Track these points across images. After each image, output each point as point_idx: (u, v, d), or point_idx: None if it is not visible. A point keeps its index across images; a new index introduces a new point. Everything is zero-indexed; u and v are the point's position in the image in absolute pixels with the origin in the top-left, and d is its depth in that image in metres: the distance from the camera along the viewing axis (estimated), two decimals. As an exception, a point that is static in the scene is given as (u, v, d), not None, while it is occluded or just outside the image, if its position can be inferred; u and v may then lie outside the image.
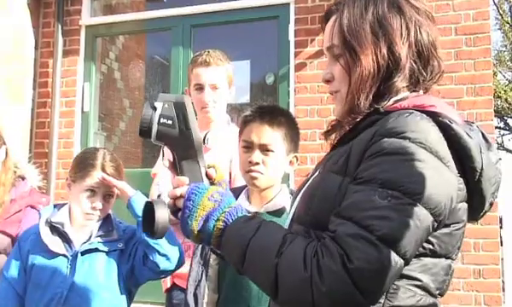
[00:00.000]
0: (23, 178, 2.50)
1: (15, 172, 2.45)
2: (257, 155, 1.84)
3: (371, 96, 1.16)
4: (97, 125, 5.34)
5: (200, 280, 1.86)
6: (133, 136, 6.23)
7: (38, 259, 2.06)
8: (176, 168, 1.26)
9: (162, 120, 1.25)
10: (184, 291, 2.02)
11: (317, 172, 1.24)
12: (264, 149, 1.85)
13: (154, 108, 1.25)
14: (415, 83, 1.19)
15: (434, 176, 1.03)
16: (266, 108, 1.93)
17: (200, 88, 2.50)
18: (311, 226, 1.13)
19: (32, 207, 2.43)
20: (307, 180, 1.28)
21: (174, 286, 2.45)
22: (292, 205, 1.29)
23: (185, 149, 1.26)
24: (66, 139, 5.10)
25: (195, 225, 1.16)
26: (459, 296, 3.96)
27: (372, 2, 1.18)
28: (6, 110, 4.70)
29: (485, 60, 4.11)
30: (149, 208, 1.19)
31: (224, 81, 2.52)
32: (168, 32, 5.03)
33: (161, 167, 2.50)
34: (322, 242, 1.04)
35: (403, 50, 1.15)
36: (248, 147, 1.87)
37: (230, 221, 1.14)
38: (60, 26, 5.13)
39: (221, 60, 2.51)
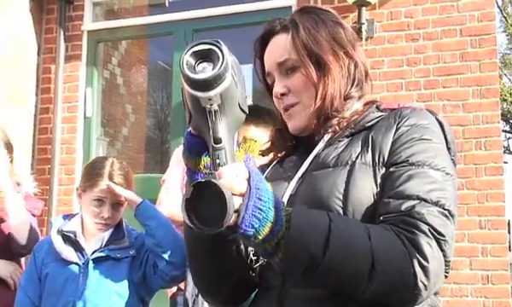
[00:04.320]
0: (18, 184, 2.51)
1: (13, 178, 2.47)
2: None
3: (337, 104, 1.21)
4: (100, 131, 5.31)
5: (197, 294, 1.82)
6: (136, 142, 6.21)
7: (52, 268, 2.09)
8: (217, 138, 0.98)
9: (233, 74, 0.97)
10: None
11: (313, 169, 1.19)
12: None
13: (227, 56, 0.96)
14: (362, 95, 1.27)
15: (451, 162, 1.16)
16: (253, 108, 1.88)
17: None
18: None
19: (29, 212, 2.46)
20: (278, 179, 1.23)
21: (179, 291, 2.42)
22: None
23: (236, 118, 1.01)
24: (68, 145, 5.07)
25: (274, 213, 0.96)
26: (467, 302, 3.90)
27: (319, 20, 1.26)
28: (8, 116, 4.67)
29: (490, 62, 4.06)
30: (204, 190, 0.92)
31: None
32: (170, 37, 5.01)
33: (170, 173, 2.48)
34: (400, 220, 1.03)
35: (356, 58, 1.25)
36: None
37: (290, 210, 1.00)
38: (62, 32, 5.11)
39: None
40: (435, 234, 1.02)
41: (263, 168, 1.33)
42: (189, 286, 1.86)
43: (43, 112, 5.16)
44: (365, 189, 1.10)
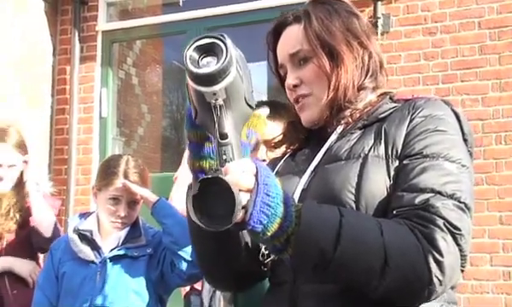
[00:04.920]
0: (36, 183, 2.52)
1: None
2: (262, 152, 1.78)
3: (350, 95, 1.19)
4: (116, 131, 5.33)
5: (214, 291, 1.80)
6: (152, 141, 6.22)
7: (69, 267, 2.08)
8: (223, 133, 0.96)
9: (238, 68, 0.95)
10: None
11: (324, 163, 1.16)
12: (269, 145, 1.80)
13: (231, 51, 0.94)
14: (377, 85, 1.24)
15: (467, 154, 1.13)
16: (268, 103, 1.86)
17: None
18: None
19: None
20: (291, 174, 1.21)
21: (192, 290, 2.40)
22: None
23: (242, 113, 0.99)
24: (84, 145, 5.09)
25: (283, 208, 0.94)
26: (488, 299, 3.83)
27: (333, 10, 1.23)
28: (25, 117, 4.71)
29: (510, 55, 3.99)
30: (211, 187, 0.90)
31: None
32: (184, 36, 5.00)
33: (182, 170, 2.47)
34: (414, 214, 1.00)
35: (371, 48, 1.22)
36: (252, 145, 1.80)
37: (300, 205, 0.98)
38: (77, 33, 5.13)
39: None
40: (450, 228, 0.99)
41: (275, 161, 1.33)
42: (206, 283, 1.84)
43: (59, 113, 5.19)
44: (378, 182, 1.07)
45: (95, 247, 2.10)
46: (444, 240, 0.98)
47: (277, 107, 1.81)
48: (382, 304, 1.00)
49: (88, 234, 2.12)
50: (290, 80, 1.23)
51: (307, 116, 1.23)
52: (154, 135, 6.25)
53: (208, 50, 0.95)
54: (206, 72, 0.92)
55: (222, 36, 0.96)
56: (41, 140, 5.01)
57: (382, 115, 1.17)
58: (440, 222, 0.99)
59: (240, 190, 0.90)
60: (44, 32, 5.13)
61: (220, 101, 0.94)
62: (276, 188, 0.94)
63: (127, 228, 2.12)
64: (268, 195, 0.92)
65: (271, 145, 1.77)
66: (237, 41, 0.99)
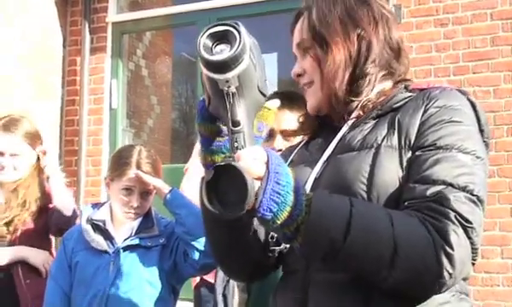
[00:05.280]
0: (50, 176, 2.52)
1: (44, 172, 2.49)
2: (278, 142, 1.77)
3: (346, 82, 1.18)
4: (125, 122, 5.34)
5: (228, 280, 1.80)
6: (161, 133, 6.23)
7: (82, 257, 2.09)
8: (235, 121, 0.97)
9: (251, 56, 0.95)
10: (212, 287, 1.96)
11: (336, 153, 1.16)
12: (286, 135, 1.79)
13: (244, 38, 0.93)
14: (392, 74, 1.22)
15: (483, 145, 1.12)
16: (283, 93, 1.87)
17: None
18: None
19: None
20: (302, 164, 1.21)
21: (202, 281, 2.40)
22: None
23: (255, 101, 0.99)
24: (94, 136, 5.11)
25: (293, 197, 0.94)
26: (499, 292, 3.82)
27: None
28: (36, 108, 4.73)
29: (523, 46, 3.95)
30: (224, 174, 0.90)
31: None
32: (194, 27, 4.99)
33: (193, 161, 2.47)
34: (426, 206, 1.00)
35: (373, 37, 1.20)
36: (269, 135, 1.80)
37: (311, 194, 0.98)
38: (87, 24, 5.14)
39: None
40: (462, 221, 0.99)
41: (291, 149, 1.34)
42: (220, 272, 1.84)
43: (69, 104, 5.21)
44: (390, 173, 1.07)
45: (108, 237, 2.10)
46: (455, 234, 0.98)
47: (296, 97, 1.82)
48: (393, 294, 1.00)
49: (101, 223, 2.12)
50: (294, 69, 1.26)
51: (309, 104, 1.26)
52: (164, 126, 6.26)
53: (222, 38, 0.96)
54: (218, 59, 0.93)
55: (236, 23, 0.97)
56: (51, 131, 5.04)
57: (396, 105, 1.16)
58: (452, 215, 0.99)
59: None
60: (55, 24, 5.14)
61: (233, 89, 0.95)
62: (286, 177, 0.95)
63: (140, 219, 2.12)
64: (278, 183, 0.93)
65: (288, 134, 1.77)
66: (247, 32, 1.00)
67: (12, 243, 2.32)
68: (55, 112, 5.14)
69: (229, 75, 0.94)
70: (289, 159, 1.30)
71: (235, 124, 0.96)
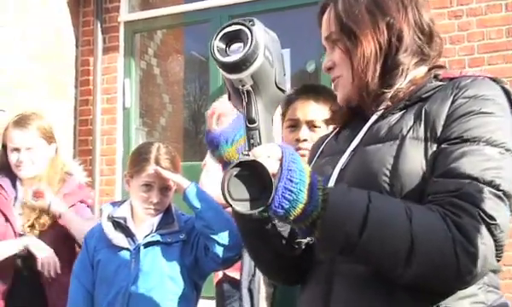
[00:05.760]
0: (70, 174, 2.54)
1: (62, 169, 2.49)
2: (304, 132, 1.78)
3: (378, 74, 1.16)
4: (138, 121, 5.35)
5: (253, 274, 1.80)
6: (174, 131, 6.24)
7: (103, 254, 2.09)
8: (251, 118, 0.98)
9: (266, 53, 0.95)
10: (235, 283, 1.96)
11: (362, 145, 1.15)
12: (311, 125, 1.80)
13: (258, 36, 0.94)
14: (424, 60, 1.20)
15: None
16: (310, 85, 1.91)
17: None
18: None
19: (82, 202, 2.51)
20: (330, 156, 1.21)
21: (225, 277, 2.39)
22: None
23: (272, 97, 0.99)
24: (108, 135, 5.13)
25: (306, 194, 0.94)
26: (509, 285, 3.77)
27: None
28: (50, 109, 4.75)
29: (539, 37, 3.90)
30: (244, 169, 0.91)
31: None
32: (206, 25, 4.99)
33: (211, 157, 2.48)
34: (448, 201, 0.98)
35: (403, 25, 1.17)
36: (294, 125, 1.81)
37: (329, 189, 0.99)
38: (99, 24, 5.15)
39: None
40: (485, 217, 0.96)
41: (323, 139, 1.34)
42: (246, 267, 1.84)
43: (82, 104, 5.23)
44: (414, 166, 1.05)
45: (129, 234, 2.11)
46: (476, 231, 0.96)
47: (321, 90, 1.83)
48: (415, 288, 1.00)
49: (122, 221, 2.13)
50: (324, 62, 1.25)
51: (339, 96, 1.25)
52: (176, 125, 6.27)
53: (235, 37, 0.96)
54: (230, 61, 0.94)
55: (249, 21, 0.97)
56: (65, 131, 5.06)
57: (425, 95, 1.13)
58: (474, 211, 0.97)
59: None
60: (67, 24, 5.16)
61: (248, 87, 0.97)
62: (300, 174, 0.95)
63: (160, 215, 2.13)
64: (291, 181, 0.94)
65: (314, 125, 1.78)
66: (264, 27, 0.99)
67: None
68: (68, 112, 5.16)
69: (243, 75, 0.95)
70: (319, 150, 1.30)
71: (251, 121, 0.98)
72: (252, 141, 0.98)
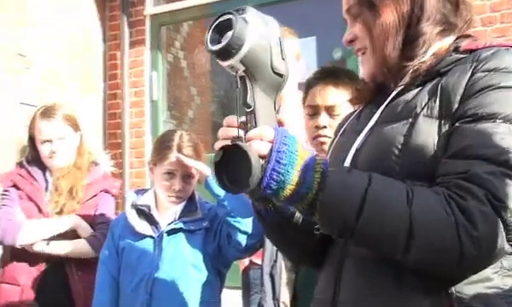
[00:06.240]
0: (96, 164, 2.54)
1: (89, 158, 2.50)
2: (323, 118, 1.73)
3: (399, 46, 1.11)
4: (166, 114, 5.37)
5: (275, 260, 1.77)
6: (202, 124, 6.25)
7: (127, 242, 2.12)
8: (245, 103, 1.01)
9: (256, 39, 0.98)
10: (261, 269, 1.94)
11: (381, 123, 1.10)
12: (331, 111, 1.75)
13: (247, 22, 0.98)
14: (450, 30, 1.13)
15: None
16: (329, 69, 1.85)
17: None
18: (397, 177, 1.00)
19: (107, 192, 2.50)
20: (351, 133, 1.17)
21: (251, 264, 2.38)
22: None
23: (269, 82, 1.02)
24: (137, 128, 5.16)
25: (295, 175, 0.94)
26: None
27: None
28: (79, 103, 4.81)
29: None
30: (232, 154, 0.96)
31: (289, 54, 2.42)
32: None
33: None
34: (454, 183, 0.93)
35: None
36: (313, 112, 1.76)
37: (328, 172, 0.97)
38: (125, 18, 5.18)
39: (284, 32, 2.42)
40: (492, 199, 0.91)
41: (349, 117, 1.29)
42: (267, 252, 1.82)
43: (111, 98, 5.28)
44: (426, 146, 0.99)
45: (152, 222, 2.12)
46: (481, 213, 0.90)
47: (341, 74, 1.78)
48: (421, 272, 0.96)
49: (145, 209, 2.14)
50: (345, 35, 1.20)
51: (364, 71, 1.20)
52: (204, 117, 6.28)
53: (228, 26, 0.98)
54: (216, 49, 0.97)
55: (241, 9, 1.00)
56: (95, 125, 5.12)
57: (444, 69, 1.06)
58: (481, 193, 0.91)
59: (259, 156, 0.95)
60: (94, 19, 5.21)
61: (241, 73, 0.99)
62: (290, 156, 0.95)
63: (183, 203, 2.13)
64: (279, 162, 0.94)
65: (334, 111, 1.73)
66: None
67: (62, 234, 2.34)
68: (97, 106, 5.22)
69: (232, 61, 0.98)
70: (342, 128, 1.26)
71: (246, 105, 1.00)
72: (249, 125, 1.01)
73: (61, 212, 2.35)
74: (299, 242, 1.21)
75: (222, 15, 1.00)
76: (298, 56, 2.47)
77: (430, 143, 0.99)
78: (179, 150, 2.09)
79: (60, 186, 2.37)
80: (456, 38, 1.13)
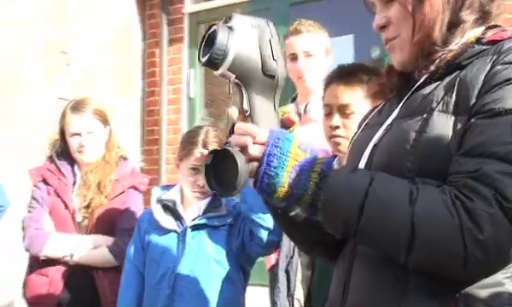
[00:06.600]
0: (125, 158, 2.55)
1: (117, 153, 2.51)
2: (336, 118, 1.70)
3: (445, 29, 1.06)
4: (203, 111, 5.41)
5: (292, 256, 1.76)
6: (239, 121, 6.25)
7: (152, 236, 2.14)
8: (242, 108, 1.03)
9: (242, 45, 0.99)
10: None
11: (398, 119, 1.07)
12: (344, 111, 1.71)
13: (231, 30, 0.99)
14: (483, 19, 1.08)
15: None
16: (346, 67, 1.80)
17: (293, 58, 2.43)
18: (410, 174, 0.97)
19: (135, 188, 2.50)
20: (370, 129, 1.14)
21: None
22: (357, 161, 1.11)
23: (263, 85, 1.02)
24: (174, 125, 5.22)
25: (286, 177, 0.96)
26: None
27: None
28: (118, 101, 4.91)
29: None
30: (222, 157, 0.98)
31: (318, 48, 2.41)
32: (269, 13, 4.95)
33: None
34: (463, 183, 0.89)
35: None
36: (328, 111, 1.74)
37: (329, 172, 0.96)
38: (164, 16, 5.25)
39: (313, 27, 2.41)
40: (502, 201, 0.86)
41: (372, 110, 1.26)
42: (284, 248, 1.81)
43: (149, 95, 5.36)
44: (440, 144, 0.96)
45: (177, 217, 2.14)
46: (488, 216, 0.86)
47: (353, 70, 1.74)
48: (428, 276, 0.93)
49: (170, 204, 2.16)
50: (377, 20, 1.13)
51: (395, 59, 1.13)
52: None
53: (215, 38, 1.00)
54: (203, 62, 1.01)
55: (228, 18, 1.02)
56: (134, 123, 5.21)
57: (465, 62, 1.02)
58: (489, 194, 0.87)
59: (251, 159, 0.97)
60: (134, 17, 5.30)
61: (234, 80, 1.02)
62: (280, 159, 0.96)
63: (208, 198, 2.14)
64: (269, 165, 0.96)
65: (347, 110, 1.70)
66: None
67: (89, 229, 2.38)
68: (136, 104, 5.31)
69: (220, 70, 1.01)
70: (364, 123, 1.23)
71: (243, 111, 1.03)
72: None
73: (88, 206, 2.37)
74: (311, 236, 1.19)
75: (210, 27, 1.02)
76: (327, 51, 2.45)
77: (444, 140, 0.96)
78: (204, 146, 2.10)
79: (88, 180, 2.39)
80: (486, 28, 1.07)
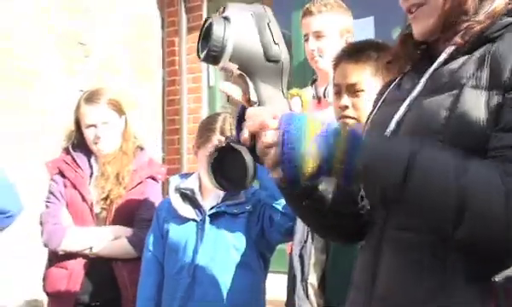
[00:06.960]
0: (141, 148, 2.53)
1: (134, 142, 2.49)
2: (345, 98, 1.64)
3: (477, 0, 1.02)
4: (224, 100, 5.38)
5: (305, 241, 1.72)
6: (259, 109, 6.22)
7: (171, 225, 2.13)
8: (249, 100, 0.99)
9: (240, 34, 0.97)
10: None
11: (425, 93, 1.02)
12: (353, 90, 1.65)
13: (227, 20, 0.97)
14: None
15: None
16: (356, 44, 1.74)
17: (306, 39, 2.39)
18: None
19: (153, 178, 2.48)
20: (391, 104, 1.09)
21: None
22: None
23: (268, 71, 0.99)
24: (194, 114, 5.20)
25: (308, 144, 0.90)
26: None
27: None
28: (138, 91, 4.91)
29: None
30: (226, 153, 0.98)
31: (331, 29, 2.34)
32: (288, 0, 4.88)
33: None
34: (504, 157, 0.88)
35: None
36: (337, 91, 1.68)
37: (360, 138, 0.92)
38: (183, 4, 5.22)
39: (325, 6, 2.33)
40: None
41: (388, 84, 1.20)
42: (298, 233, 1.77)
43: (169, 84, 5.34)
44: (473, 121, 0.93)
45: (196, 206, 2.12)
46: None
47: (363, 48, 1.68)
48: (460, 264, 0.91)
49: (189, 192, 2.14)
50: None
51: (419, 28, 1.08)
52: (262, 102, 6.26)
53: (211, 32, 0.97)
54: (202, 57, 0.98)
55: (222, 9, 0.99)
56: (155, 112, 5.21)
57: (494, 35, 0.98)
58: None
59: (266, 147, 0.93)
60: (152, 6, 5.28)
61: (237, 72, 0.98)
62: (298, 131, 0.91)
63: (227, 186, 2.11)
64: (288, 143, 0.91)
65: (356, 89, 1.64)
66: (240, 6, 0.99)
67: (108, 221, 2.36)
68: (157, 93, 5.30)
69: (221, 64, 0.98)
70: (382, 98, 1.18)
71: (251, 103, 1.00)
72: None
73: (107, 198, 2.35)
74: (326, 220, 1.15)
75: (205, 22, 0.99)
76: (342, 33, 2.38)
77: (477, 117, 0.92)
78: (222, 133, 2.08)
79: (106, 171, 2.37)
80: None
